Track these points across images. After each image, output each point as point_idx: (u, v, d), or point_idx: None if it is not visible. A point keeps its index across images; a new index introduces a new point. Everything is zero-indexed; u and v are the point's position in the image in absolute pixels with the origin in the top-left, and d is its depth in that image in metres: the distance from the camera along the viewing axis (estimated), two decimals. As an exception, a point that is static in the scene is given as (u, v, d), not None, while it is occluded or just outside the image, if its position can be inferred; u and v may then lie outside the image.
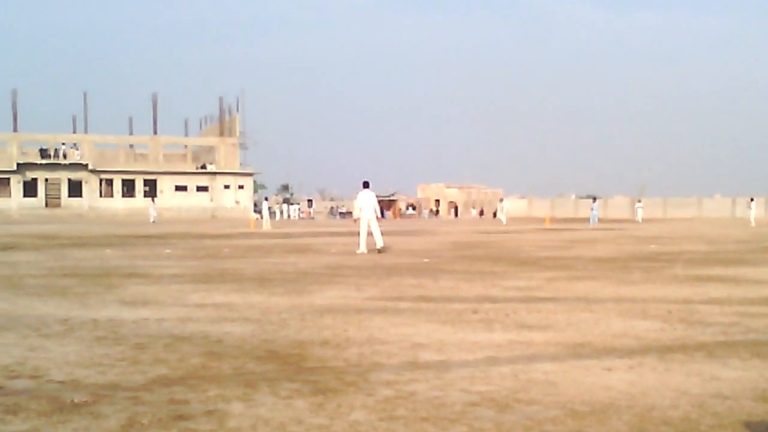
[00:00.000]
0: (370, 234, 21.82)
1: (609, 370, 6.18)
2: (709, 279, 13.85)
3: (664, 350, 7.03)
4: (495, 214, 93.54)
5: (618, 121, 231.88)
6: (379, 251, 21.37)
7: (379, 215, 22.27)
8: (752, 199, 59.10)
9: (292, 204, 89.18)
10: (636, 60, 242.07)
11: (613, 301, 10.66)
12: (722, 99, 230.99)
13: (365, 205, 21.78)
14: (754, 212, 56.86)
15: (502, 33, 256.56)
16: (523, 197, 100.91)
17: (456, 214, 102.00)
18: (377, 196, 23.24)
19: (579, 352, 6.99)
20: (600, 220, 61.20)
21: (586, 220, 59.60)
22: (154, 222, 58.78)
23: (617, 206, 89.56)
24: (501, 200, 63.24)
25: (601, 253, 21.88)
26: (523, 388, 5.54)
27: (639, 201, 72.04)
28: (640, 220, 64.33)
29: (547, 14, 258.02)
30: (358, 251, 21.46)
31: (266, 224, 47.47)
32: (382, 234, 22.37)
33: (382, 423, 4.68)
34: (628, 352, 6.92)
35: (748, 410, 5.00)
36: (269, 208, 52.83)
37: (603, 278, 13.98)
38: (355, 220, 22.59)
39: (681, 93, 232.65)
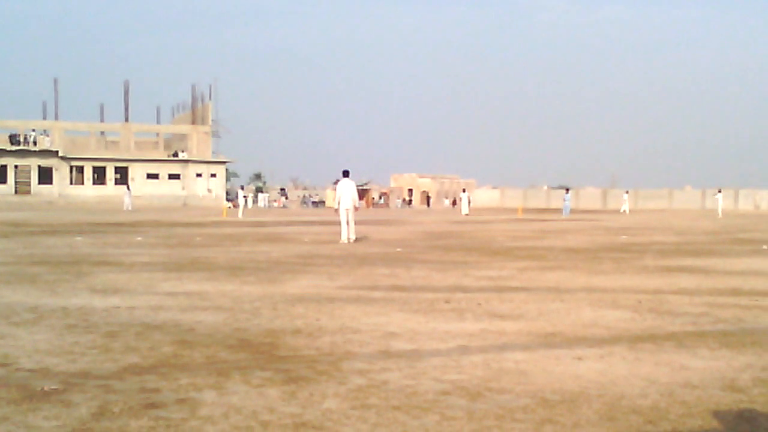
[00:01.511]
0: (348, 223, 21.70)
1: (579, 359, 6.23)
2: (679, 270, 13.98)
3: (634, 340, 7.10)
4: (454, 203, 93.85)
5: (590, 112, 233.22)
6: (352, 242, 21.26)
7: (357, 205, 22.14)
8: (719, 191, 59.69)
9: (261, 192, 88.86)
10: (608, 52, 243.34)
11: (584, 291, 10.74)
12: (693, 91, 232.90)
13: (344, 195, 21.60)
14: (721, 204, 57.44)
15: (477, 25, 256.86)
16: (495, 188, 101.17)
17: (428, 204, 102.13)
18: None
19: (550, 341, 7.04)
20: (572, 211, 61.52)
21: (559, 210, 59.88)
22: (127, 210, 58.31)
23: (589, 197, 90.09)
24: (464, 190, 63.07)
25: (572, 243, 22.02)
26: (494, 377, 5.57)
27: (626, 192, 72.25)
28: (628, 211, 64.44)
29: (520, 6, 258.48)
30: (340, 240, 21.33)
31: (241, 212, 47.35)
32: (355, 224, 22.31)
33: (354, 411, 4.69)
34: (599, 342, 6.98)
35: (716, 399, 5.07)
36: (244, 196, 52.62)
37: (574, 268, 14.07)
38: (335, 210, 22.42)
39: (653, 85, 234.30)
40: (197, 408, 4.73)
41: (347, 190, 21.72)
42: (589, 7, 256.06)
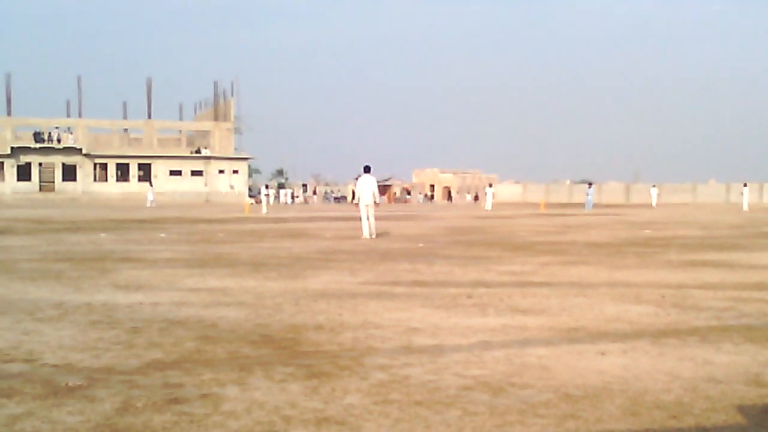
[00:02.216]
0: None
1: (602, 354, 6.20)
2: (703, 264, 13.89)
3: (658, 335, 7.05)
4: (476, 198, 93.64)
5: (613, 107, 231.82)
6: (374, 238, 21.27)
7: (378, 201, 22.10)
8: (745, 185, 59.23)
9: (283, 189, 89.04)
10: (632, 46, 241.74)
11: (607, 285, 10.69)
12: (718, 85, 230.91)
13: (365, 191, 21.60)
14: (747, 198, 57.01)
15: (500, 19, 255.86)
16: (518, 182, 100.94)
17: (450, 199, 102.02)
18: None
19: (572, 336, 7.01)
20: (595, 206, 61.26)
21: (581, 205, 59.68)
22: (150, 207, 58.64)
23: (612, 191, 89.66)
24: (489, 185, 62.93)
25: (595, 238, 21.92)
26: (516, 372, 5.56)
27: (653, 186, 71.77)
28: (655, 204, 64.07)
29: (545, 1, 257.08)
30: (362, 236, 21.38)
31: (265, 208, 47.57)
32: (376, 219, 22.32)
33: (376, 407, 4.70)
34: (622, 337, 6.95)
35: (740, 394, 5.03)
36: (266, 194, 52.78)
37: (597, 263, 14.00)
38: (356, 205, 22.52)
39: (676, 79, 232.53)
40: (220, 403, 4.75)
41: (367, 186, 21.70)
42: (613, 0, 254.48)
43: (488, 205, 57.38)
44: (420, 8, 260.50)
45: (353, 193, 22.17)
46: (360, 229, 22.01)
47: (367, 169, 22.14)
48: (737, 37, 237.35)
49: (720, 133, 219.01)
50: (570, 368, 5.70)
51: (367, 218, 21.61)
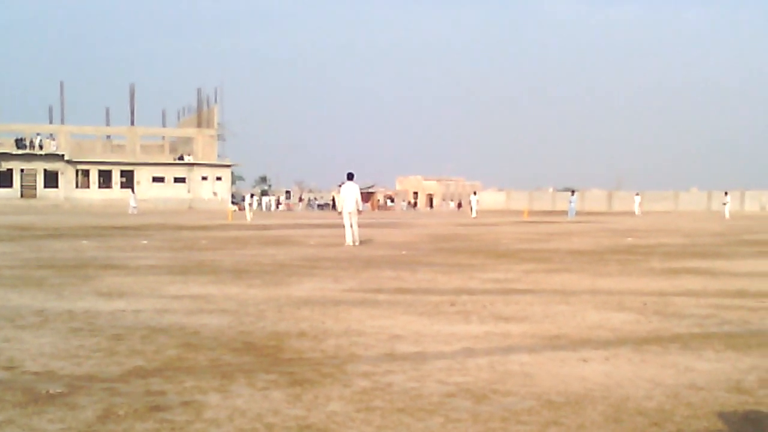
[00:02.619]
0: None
1: (585, 361, 6.22)
2: (685, 271, 13.96)
3: (640, 342, 7.08)
4: (459, 205, 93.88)
5: (596, 114, 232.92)
6: (357, 245, 21.31)
7: (361, 208, 22.14)
8: (726, 193, 59.60)
9: (266, 195, 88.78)
10: (614, 53, 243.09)
11: (590, 293, 10.73)
12: (699, 93, 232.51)
13: (348, 198, 21.61)
14: (729, 206, 57.37)
15: (482, 26, 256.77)
16: (501, 190, 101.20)
17: (431, 206, 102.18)
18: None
19: (555, 343, 7.03)
20: (578, 213, 61.48)
21: (564, 212, 59.82)
22: (133, 213, 58.39)
23: (594, 199, 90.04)
24: (474, 193, 63.08)
25: (578, 245, 21.99)
26: (499, 380, 5.56)
27: (637, 194, 71.99)
28: (637, 212, 64.19)
29: (527, 7, 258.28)
30: (345, 243, 21.41)
31: (249, 215, 47.46)
32: (359, 227, 22.44)
33: (359, 414, 4.69)
34: (604, 344, 6.97)
35: (721, 401, 5.05)
36: (249, 204, 52.49)
37: (580, 271, 14.05)
38: (339, 213, 22.55)
39: (658, 86, 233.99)
40: (202, 411, 4.73)
41: (351, 193, 21.69)
42: (595, 8, 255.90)
43: (473, 213, 57.47)
44: (404, 16, 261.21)
45: (334, 200, 22.31)
46: (343, 236, 22.03)
47: (350, 177, 22.04)
48: (718, 46, 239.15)
49: (702, 141, 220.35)
50: (552, 375, 5.72)
51: (351, 225, 21.62)
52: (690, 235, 29.04)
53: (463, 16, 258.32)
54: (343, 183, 22.47)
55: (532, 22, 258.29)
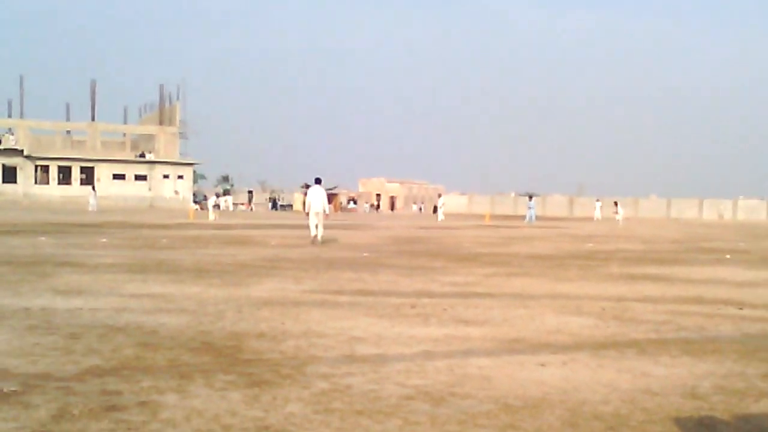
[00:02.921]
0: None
1: (543, 365, 6.26)
2: (643, 277, 14.11)
3: (597, 347, 7.14)
4: (435, 210, 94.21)
5: (557, 120, 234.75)
6: (319, 242, 22.42)
7: (327, 212, 23.41)
8: (616, 203, 60.64)
9: (227, 195, 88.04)
10: (575, 60, 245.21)
11: (549, 297, 10.80)
12: (660, 102, 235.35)
13: (315, 201, 22.75)
14: (622, 214, 58.40)
15: (446, 30, 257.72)
16: (463, 194, 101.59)
17: (392, 208, 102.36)
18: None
19: (514, 347, 7.07)
20: (539, 218, 61.86)
21: (525, 217, 60.13)
22: (93, 211, 57.75)
23: (556, 204, 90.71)
24: (440, 196, 63.34)
25: (538, 250, 22.14)
26: (458, 383, 5.58)
27: (597, 200, 72.57)
28: (600, 218, 64.60)
29: (490, 12, 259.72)
30: (311, 236, 22.74)
31: (211, 215, 47.14)
32: (324, 228, 23.60)
33: (317, 416, 4.68)
34: (562, 348, 7.02)
35: (677, 406, 5.11)
36: (215, 204, 51.92)
37: (539, 275, 14.15)
38: (306, 214, 23.55)
39: (620, 94, 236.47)
40: (159, 411, 4.69)
41: (318, 196, 22.83)
42: (558, 15, 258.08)
43: (440, 216, 57.54)
44: (366, 16, 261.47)
45: (304, 202, 23.52)
46: (308, 236, 23.17)
47: (318, 181, 23.26)
48: (679, 50, 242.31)
49: (662, 149, 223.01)
50: (511, 379, 5.75)
51: (315, 225, 22.74)
52: (649, 241, 29.36)
53: (428, 21, 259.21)
54: (310, 186, 23.75)
55: (496, 28, 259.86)
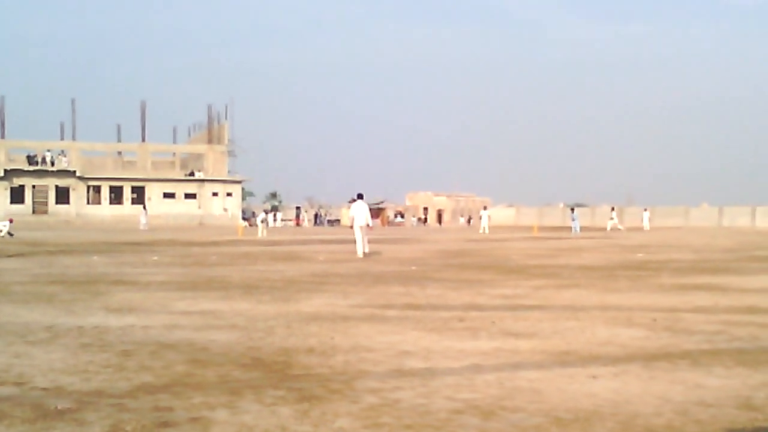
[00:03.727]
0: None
1: (594, 377, 6.20)
2: (695, 287, 13.91)
3: (649, 358, 7.06)
4: (469, 221, 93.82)
5: (605, 130, 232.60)
6: (365, 254, 23.42)
7: (370, 224, 24.47)
8: (613, 209, 60.58)
9: (275, 212, 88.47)
10: (623, 70, 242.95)
11: (599, 309, 10.70)
12: (710, 108, 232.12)
13: (358, 215, 23.80)
14: (615, 221, 58.17)
15: (491, 43, 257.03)
16: (511, 206, 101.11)
17: (441, 222, 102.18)
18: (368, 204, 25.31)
19: (564, 359, 7.01)
20: (587, 229, 61.45)
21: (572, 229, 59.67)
22: (144, 229, 58.53)
23: (605, 215, 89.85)
24: (485, 208, 63.22)
25: (587, 261, 21.95)
26: (507, 396, 5.55)
27: (645, 209, 72.04)
28: (648, 228, 64.43)
29: (535, 25, 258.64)
30: (357, 254, 23.47)
31: (261, 232, 47.50)
32: (368, 242, 24.48)
33: (366, 430, 4.69)
34: (613, 360, 6.95)
35: (731, 418, 5.03)
36: (262, 221, 52.17)
37: (589, 286, 14.02)
38: (351, 227, 24.62)
39: (668, 102, 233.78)
40: (210, 427, 4.74)
41: (360, 211, 23.92)
42: (606, 24, 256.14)
43: (484, 229, 57.48)
44: (412, 31, 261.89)
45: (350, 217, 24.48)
46: (354, 251, 23.95)
47: (360, 196, 24.48)
48: (728, 59, 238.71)
49: (713, 156, 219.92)
50: (561, 392, 5.70)
51: (361, 239, 23.61)
52: (700, 250, 28.95)
53: (471, 34, 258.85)
54: (353, 200, 24.96)
55: (542, 39, 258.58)
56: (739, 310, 10.73)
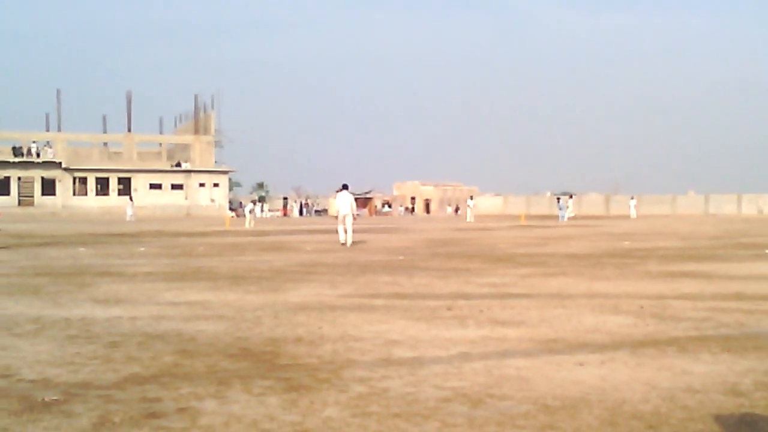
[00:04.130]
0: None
1: (581, 365, 6.22)
2: (682, 275, 13.97)
3: (636, 345, 7.09)
4: (457, 210, 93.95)
5: (593, 119, 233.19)
6: (348, 246, 23.62)
7: (355, 214, 25.13)
8: (571, 196, 61.14)
9: (261, 202, 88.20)
10: (611, 60, 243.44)
11: (586, 297, 10.73)
12: (696, 97, 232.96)
13: (343, 205, 24.63)
14: (570, 209, 59.40)
15: (478, 31, 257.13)
16: (498, 195, 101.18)
17: (428, 211, 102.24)
18: (353, 194, 25.98)
19: (551, 347, 7.03)
20: (574, 217, 61.69)
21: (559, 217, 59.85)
22: (130, 220, 58.32)
23: (592, 203, 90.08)
24: (471, 197, 63.36)
25: (575, 249, 22.00)
26: (495, 384, 5.56)
27: (632, 198, 72.32)
28: (635, 216, 64.79)
29: (524, 14, 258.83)
30: (339, 242, 24.15)
31: (248, 222, 47.41)
32: (354, 232, 25.07)
33: (355, 419, 4.69)
34: (600, 348, 6.97)
35: (717, 404, 5.06)
36: (250, 211, 51.94)
37: (576, 274, 14.06)
38: (335, 217, 25.69)
39: (655, 91, 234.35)
40: (198, 417, 4.73)
41: (345, 201, 24.76)
42: (592, 13, 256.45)
43: (469, 217, 57.57)
44: (400, 21, 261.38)
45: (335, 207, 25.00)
46: (338, 240, 24.57)
47: (345, 187, 25.34)
48: (716, 50, 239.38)
49: (700, 145, 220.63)
50: (549, 379, 5.72)
51: (345, 229, 24.21)
52: (687, 238, 29.06)
53: (459, 23, 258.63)
54: (339, 191, 25.75)
55: (528, 27, 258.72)
56: (726, 296, 10.78)
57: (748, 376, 5.83)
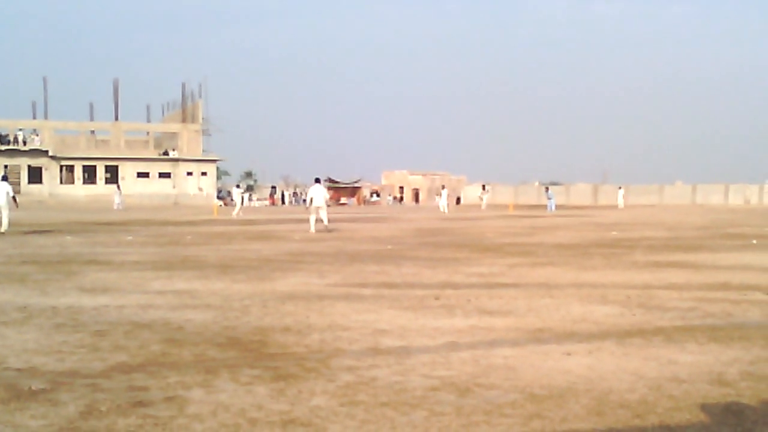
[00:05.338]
0: (319, 220, 26.03)
1: (568, 354, 6.24)
2: (669, 265, 14.02)
3: (623, 335, 7.12)
4: (458, 201, 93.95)
5: (581, 108, 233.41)
6: (329, 230, 25.65)
7: (327, 199, 28.12)
8: (484, 187, 62.00)
9: (251, 192, 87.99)
10: (599, 48, 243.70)
11: (574, 286, 10.76)
12: (684, 87, 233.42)
13: (316, 196, 26.58)
14: (486, 198, 60.39)
15: (466, 21, 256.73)
16: (487, 184, 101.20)
17: (417, 201, 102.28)
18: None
19: (539, 337, 7.05)
20: (562, 207, 61.84)
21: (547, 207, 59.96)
22: (118, 209, 58.12)
23: (580, 193, 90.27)
24: (443, 187, 63.37)
25: (562, 239, 22.05)
26: (483, 373, 5.58)
27: (620, 188, 72.46)
28: (622, 206, 65.02)
29: (511, 3, 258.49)
30: (309, 232, 25.36)
31: (236, 211, 47.24)
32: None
33: (342, 408, 4.70)
34: (587, 337, 7.00)
35: (703, 393, 5.09)
36: (242, 195, 51.56)
37: (564, 264, 14.09)
38: (307, 208, 27.36)
39: (643, 81, 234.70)
40: (185, 406, 4.73)
41: (318, 193, 26.75)
42: (580, 3, 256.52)
43: (443, 208, 56.73)
44: (387, 10, 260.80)
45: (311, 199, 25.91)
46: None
47: (317, 180, 27.82)
48: (702, 38, 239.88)
49: (687, 135, 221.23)
50: (536, 369, 5.74)
51: (317, 219, 26.15)
52: (674, 228, 29.16)
53: (448, 12, 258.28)
54: (312, 185, 27.82)
55: (517, 17, 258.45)
56: (712, 287, 10.83)
57: (734, 366, 5.86)
